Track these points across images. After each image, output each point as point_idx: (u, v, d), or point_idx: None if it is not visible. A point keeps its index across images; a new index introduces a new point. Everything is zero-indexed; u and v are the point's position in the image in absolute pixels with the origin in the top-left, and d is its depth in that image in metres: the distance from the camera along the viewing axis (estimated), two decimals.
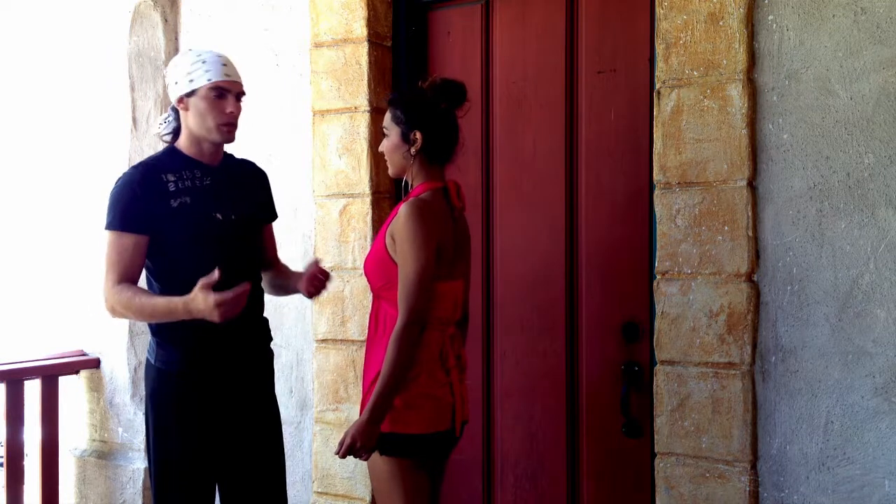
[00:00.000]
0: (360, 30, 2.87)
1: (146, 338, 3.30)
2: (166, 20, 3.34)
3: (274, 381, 2.46)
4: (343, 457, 2.02)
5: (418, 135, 2.11)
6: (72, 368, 3.40)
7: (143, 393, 3.28)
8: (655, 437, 2.39)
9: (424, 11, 2.94)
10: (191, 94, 2.20)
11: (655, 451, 2.40)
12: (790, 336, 2.24)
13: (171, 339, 2.24)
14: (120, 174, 2.26)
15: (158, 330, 2.26)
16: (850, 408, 2.17)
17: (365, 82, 2.87)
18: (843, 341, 2.18)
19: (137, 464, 3.27)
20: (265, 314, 2.43)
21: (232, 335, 2.09)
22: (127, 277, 2.17)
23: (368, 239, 2.86)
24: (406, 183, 2.21)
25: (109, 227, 2.18)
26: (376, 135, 2.77)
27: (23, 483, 3.21)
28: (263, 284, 2.45)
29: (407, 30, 2.93)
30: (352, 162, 2.90)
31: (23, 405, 3.24)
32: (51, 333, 3.62)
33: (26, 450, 3.27)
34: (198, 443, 2.26)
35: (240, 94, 2.26)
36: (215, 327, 2.06)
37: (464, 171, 2.77)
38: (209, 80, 2.19)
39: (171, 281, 2.21)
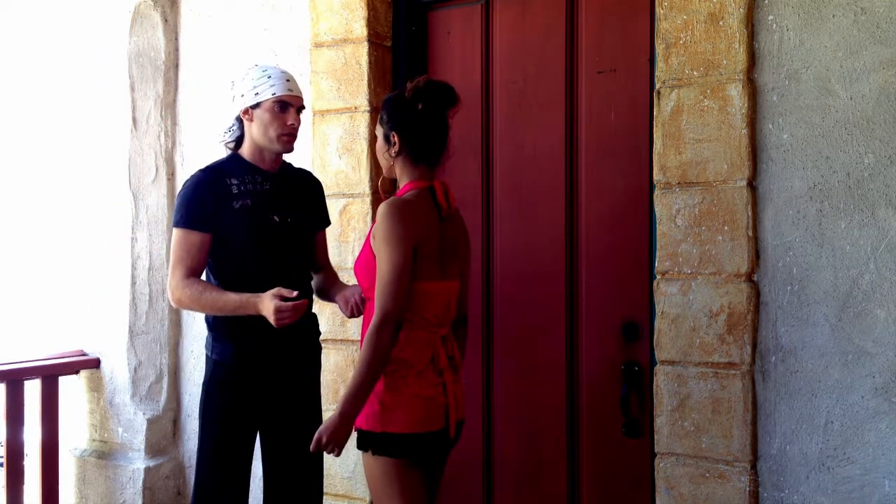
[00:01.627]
0: (360, 30, 2.87)
1: (146, 338, 3.34)
2: (166, 20, 3.34)
3: (320, 374, 2.57)
4: (314, 452, 2.03)
5: (396, 136, 2.12)
6: (72, 368, 3.40)
7: (143, 393, 3.32)
8: (655, 437, 2.39)
9: (424, 11, 2.94)
10: (256, 106, 2.35)
11: (655, 451, 2.40)
12: (790, 336, 2.24)
13: (226, 334, 2.40)
14: (189, 175, 2.42)
15: (215, 325, 2.42)
16: (850, 408, 2.17)
17: (365, 82, 2.87)
18: (843, 341, 2.18)
19: (137, 464, 3.27)
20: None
21: (282, 330, 2.23)
22: (192, 272, 2.35)
23: None
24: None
25: (178, 224, 2.35)
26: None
27: (23, 483, 3.20)
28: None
29: (407, 30, 2.93)
30: (352, 162, 2.90)
31: (23, 405, 3.24)
32: (51, 333, 3.62)
33: (26, 450, 3.27)
34: (238, 427, 2.40)
35: (300, 107, 2.41)
36: (266, 324, 2.22)
37: (464, 172, 2.77)
38: (274, 93, 2.34)
39: (229, 276, 2.37)
